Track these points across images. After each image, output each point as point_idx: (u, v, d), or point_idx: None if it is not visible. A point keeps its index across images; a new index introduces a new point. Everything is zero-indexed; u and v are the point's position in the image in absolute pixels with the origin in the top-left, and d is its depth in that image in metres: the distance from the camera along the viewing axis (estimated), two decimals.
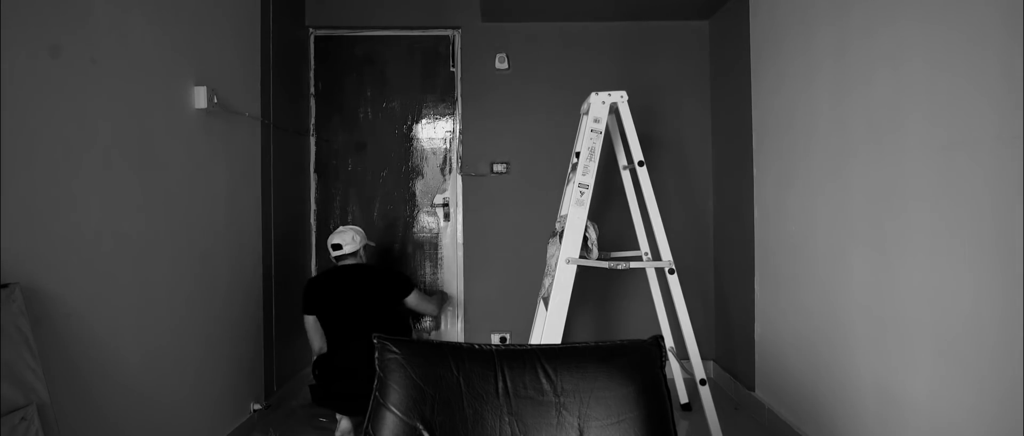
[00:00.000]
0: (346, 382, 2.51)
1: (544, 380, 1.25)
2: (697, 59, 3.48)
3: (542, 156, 3.46)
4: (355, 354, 2.53)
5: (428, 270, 3.55)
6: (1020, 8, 1.33)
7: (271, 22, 2.91)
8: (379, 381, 1.25)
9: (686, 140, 3.49)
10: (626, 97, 2.43)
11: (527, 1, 3.15)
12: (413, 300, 2.76)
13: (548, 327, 2.31)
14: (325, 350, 2.67)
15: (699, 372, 2.44)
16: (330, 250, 2.71)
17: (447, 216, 3.55)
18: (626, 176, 2.82)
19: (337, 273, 2.68)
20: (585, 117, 2.48)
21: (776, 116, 2.56)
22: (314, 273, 3.53)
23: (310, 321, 2.68)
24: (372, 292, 2.66)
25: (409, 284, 2.76)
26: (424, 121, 3.54)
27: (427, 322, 3.56)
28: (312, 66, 3.52)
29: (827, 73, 2.14)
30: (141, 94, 1.87)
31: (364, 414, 2.56)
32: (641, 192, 2.53)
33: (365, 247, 2.82)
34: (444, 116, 3.53)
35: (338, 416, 2.60)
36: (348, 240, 2.70)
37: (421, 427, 1.20)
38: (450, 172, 3.54)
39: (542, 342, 2.17)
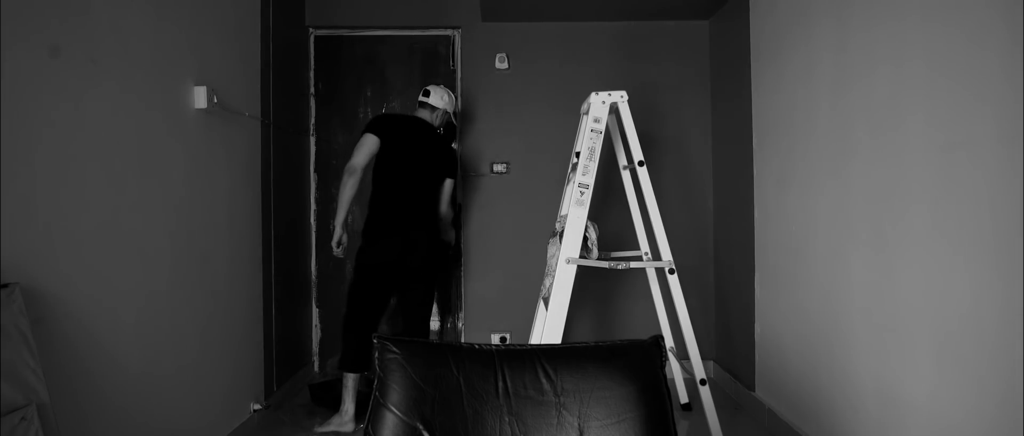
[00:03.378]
0: (408, 253, 2.63)
1: (544, 380, 1.25)
2: (697, 59, 3.48)
3: (542, 156, 3.46)
4: (421, 222, 2.68)
5: None
6: (1020, 7, 1.33)
7: (271, 22, 2.91)
8: (379, 381, 1.25)
9: (686, 140, 3.49)
10: (626, 97, 2.43)
11: (527, 1, 3.15)
12: (448, 188, 2.89)
13: (548, 327, 2.31)
14: (354, 184, 2.59)
15: (699, 372, 2.44)
16: (420, 95, 2.86)
17: None
18: (626, 176, 2.82)
19: (415, 121, 2.76)
20: (585, 117, 2.48)
21: (776, 116, 2.56)
22: (314, 273, 3.53)
23: (372, 141, 2.62)
24: (439, 157, 2.79)
25: (455, 169, 2.91)
26: None
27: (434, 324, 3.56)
28: (312, 66, 3.52)
29: (827, 73, 2.14)
30: (141, 94, 1.87)
31: (401, 290, 2.76)
32: (641, 192, 2.53)
33: (445, 119, 2.90)
34: None
35: (345, 400, 2.62)
36: (439, 99, 2.84)
37: (421, 427, 1.20)
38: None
39: (542, 342, 2.17)
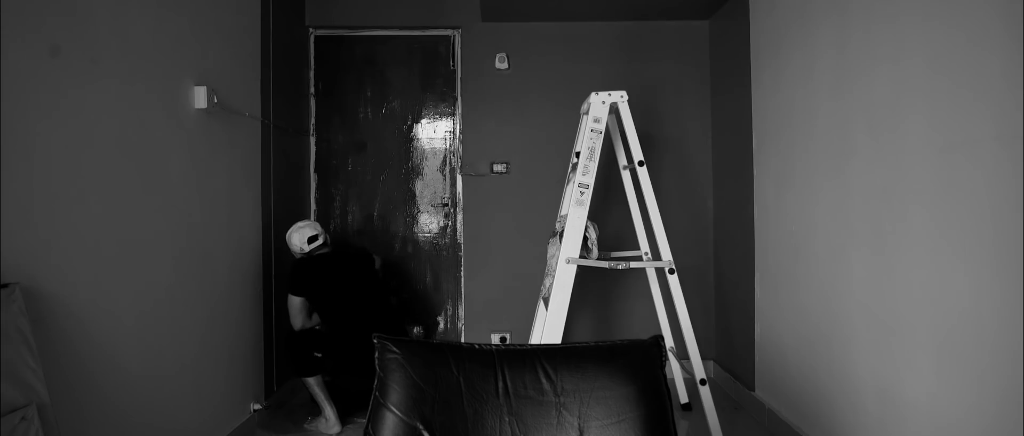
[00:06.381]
0: (364, 380, 2.55)
1: (544, 380, 1.25)
2: (697, 59, 3.48)
3: (542, 156, 3.46)
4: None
5: (428, 270, 3.55)
6: (1020, 8, 1.33)
7: (271, 22, 2.91)
8: (379, 381, 1.25)
9: (686, 140, 3.49)
10: (626, 97, 2.43)
11: (527, 1, 3.15)
12: (378, 264, 2.99)
13: (548, 327, 2.31)
14: (309, 325, 2.70)
15: (699, 372, 2.44)
16: (306, 243, 2.66)
17: (447, 216, 3.55)
18: (626, 176, 2.82)
19: (330, 258, 2.73)
20: (585, 117, 2.48)
21: (776, 116, 2.56)
22: None
23: (297, 302, 2.63)
24: (367, 277, 2.78)
25: (372, 257, 2.91)
26: (424, 121, 3.54)
27: (428, 325, 3.56)
28: (312, 66, 3.52)
29: (827, 72, 2.14)
30: (141, 94, 1.87)
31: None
32: (641, 192, 2.53)
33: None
34: (444, 116, 3.53)
35: (322, 406, 2.63)
36: (321, 230, 2.74)
37: (421, 427, 1.20)
38: (450, 172, 3.54)
39: (542, 342, 2.17)
